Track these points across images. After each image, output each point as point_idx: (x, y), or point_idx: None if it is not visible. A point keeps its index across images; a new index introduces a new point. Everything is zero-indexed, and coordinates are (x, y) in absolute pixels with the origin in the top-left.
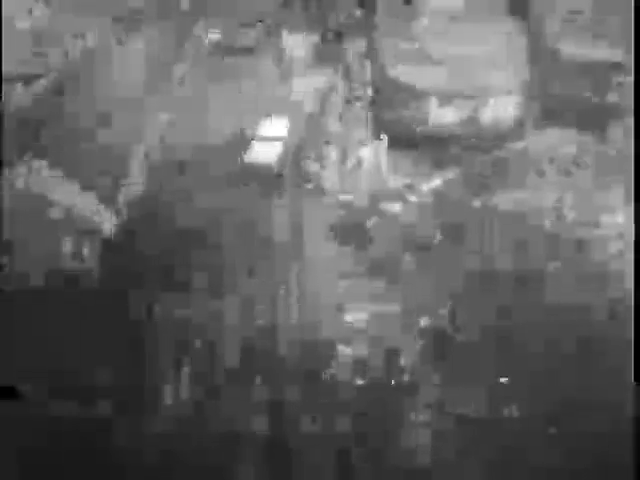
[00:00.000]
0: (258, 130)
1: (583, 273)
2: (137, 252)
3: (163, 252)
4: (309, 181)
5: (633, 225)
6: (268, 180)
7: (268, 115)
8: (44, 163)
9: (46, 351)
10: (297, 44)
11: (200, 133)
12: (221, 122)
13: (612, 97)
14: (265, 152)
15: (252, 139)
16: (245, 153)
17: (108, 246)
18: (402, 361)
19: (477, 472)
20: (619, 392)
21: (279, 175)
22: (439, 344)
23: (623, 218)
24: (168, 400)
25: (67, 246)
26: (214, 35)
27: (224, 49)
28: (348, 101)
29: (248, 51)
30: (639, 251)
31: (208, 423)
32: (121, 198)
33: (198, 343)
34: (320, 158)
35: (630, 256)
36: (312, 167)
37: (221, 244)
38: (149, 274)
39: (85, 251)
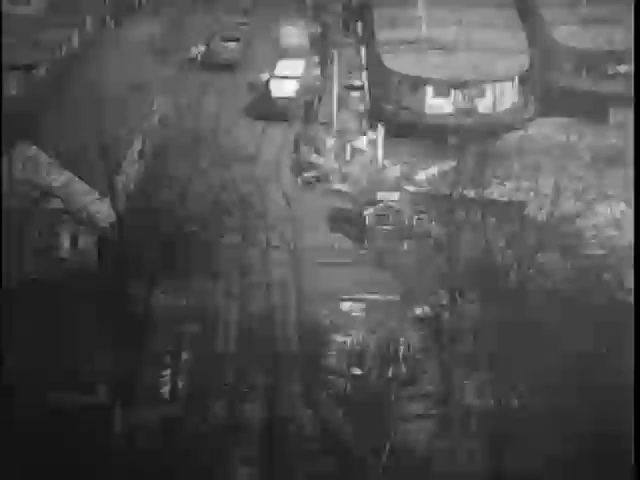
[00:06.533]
0: (275, 70)
1: (580, 262)
2: (135, 241)
3: (161, 241)
4: (307, 170)
5: (633, 214)
6: (287, 112)
7: (284, 53)
8: (41, 152)
9: (44, 345)
10: (293, 34)
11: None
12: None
13: (611, 86)
14: (283, 87)
15: (270, 78)
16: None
17: (106, 236)
18: (399, 350)
19: (476, 461)
20: (618, 389)
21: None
22: (436, 333)
23: (621, 207)
24: (165, 393)
25: (65, 236)
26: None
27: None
28: (346, 90)
29: (231, 66)
30: (639, 239)
31: (207, 415)
32: (119, 188)
33: (196, 334)
34: (318, 148)
35: (630, 244)
36: (311, 157)
37: (219, 235)
38: (147, 263)
39: (82, 242)
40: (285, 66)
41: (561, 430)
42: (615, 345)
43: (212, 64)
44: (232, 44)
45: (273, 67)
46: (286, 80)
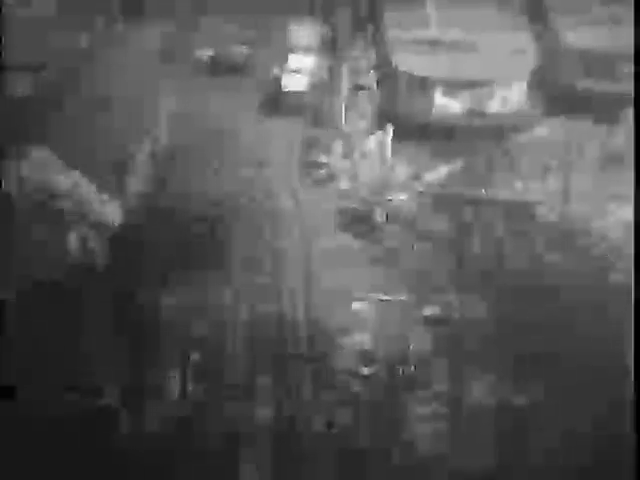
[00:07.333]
0: (287, 64)
1: (590, 263)
2: (144, 243)
3: (170, 243)
4: (316, 170)
5: (633, 213)
6: (299, 106)
7: (293, 51)
8: (47, 152)
9: (50, 347)
10: (302, 34)
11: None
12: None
13: (619, 87)
14: (294, 82)
15: (281, 73)
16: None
17: (115, 237)
18: (409, 350)
19: (480, 461)
20: (619, 387)
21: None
22: (446, 333)
23: (629, 207)
24: (173, 395)
25: (73, 237)
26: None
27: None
28: (354, 90)
29: (238, 69)
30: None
31: (212, 419)
32: (129, 189)
33: (204, 334)
34: (326, 147)
35: (631, 246)
36: (319, 156)
37: (229, 236)
38: (156, 265)
39: (91, 243)
40: (296, 60)
41: (563, 427)
42: (622, 343)
43: (220, 68)
44: (240, 47)
45: (284, 62)
46: (297, 74)
